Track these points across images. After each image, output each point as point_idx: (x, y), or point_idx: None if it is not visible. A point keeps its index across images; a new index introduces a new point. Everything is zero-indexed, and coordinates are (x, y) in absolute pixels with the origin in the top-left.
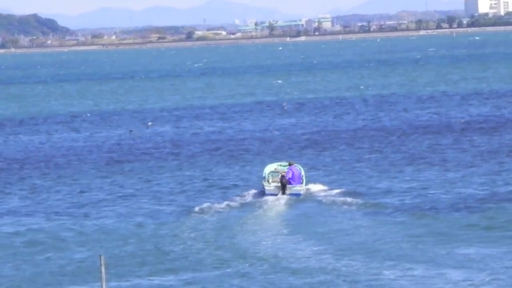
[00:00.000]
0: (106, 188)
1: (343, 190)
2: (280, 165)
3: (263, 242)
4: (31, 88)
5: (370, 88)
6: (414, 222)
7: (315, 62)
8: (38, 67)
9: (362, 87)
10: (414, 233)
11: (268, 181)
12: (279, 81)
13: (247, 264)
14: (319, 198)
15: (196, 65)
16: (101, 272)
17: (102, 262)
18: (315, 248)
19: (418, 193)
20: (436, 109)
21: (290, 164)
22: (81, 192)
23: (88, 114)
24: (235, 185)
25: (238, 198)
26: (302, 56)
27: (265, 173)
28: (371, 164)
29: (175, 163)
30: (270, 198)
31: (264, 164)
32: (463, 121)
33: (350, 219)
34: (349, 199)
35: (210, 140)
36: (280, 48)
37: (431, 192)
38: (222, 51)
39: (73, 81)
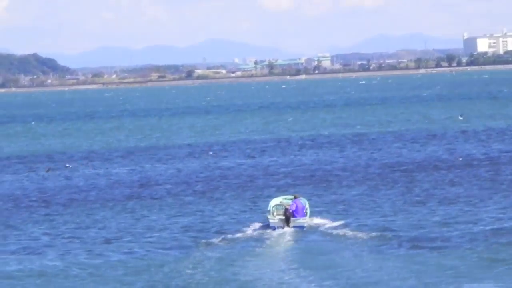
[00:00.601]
0: (116, 225)
1: (348, 223)
2: (285, 199)
3: (266, 278)
4: (43, 126)
5: (380, 125)
6: (421, 257)
7: (324, 99)
8: (54, 105)
9: (374, 124)
10: (421, 268)
11: (272, 214)
12: (290, 119)
13: None
14: (323, 231)
15: (203, 103)
16: None
17: None
18: (320, 284)
19: (425, 228)
20: (448, 146)
21: (295, 197)
22: (90, 228)
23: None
24: (241, 219)
25: (243, 232)
26: (309, 94)
27: (270, 207)
28: (379, 199)
29: (184, 198)
30: (274, 231)
31: (270, 198)
32: (474, 157)
33: (355, 253)
34: (353, 233)
35: (219, 176)
36: (284, 86)
37: (438, 226)
38: (225, 89)
39: (85, 119)
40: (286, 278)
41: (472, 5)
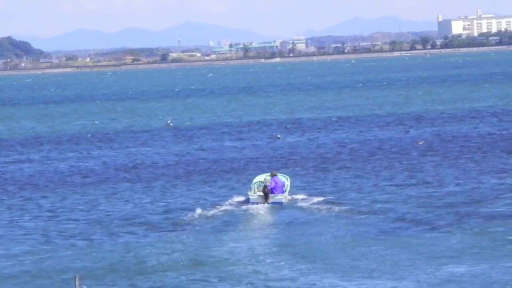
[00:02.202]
0: (99, 206)
1: (330, 201)
2: (269, 176)
3: (242, 257)
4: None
5: (380, 108)
6: (402, 239)
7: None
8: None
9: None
10: (399, 250)
11: (254, 191)
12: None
13: (225, 283)
14: (301, 207)
15: (193, 87)
16: None
17: (77, 283)
18: (295, 267)
19: (409, 209)
20: (438, 128)
21: (273, 175)
22: (73, 209)
23: (89, 135)
24: (225, 196)
25: (222, 208)
26: (306, 76)
27: (252, 184)
28: (365, 179)
29: (169, 178)
30: (253, 206)
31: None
32: (463, 139)
33: (333, 232)
34: (334, 210)
35: (209, 157)
36: (280, 68)
37: (424, 207)
38: (207, 72)
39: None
40: (259, 258)
41: None
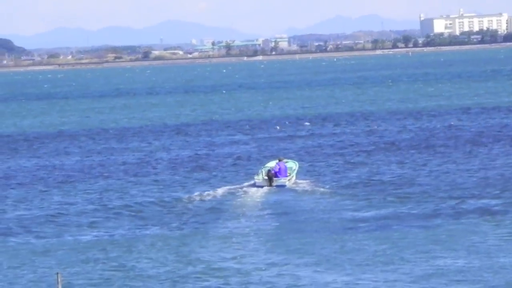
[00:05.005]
0: (89, 202)
1: (332, 187)
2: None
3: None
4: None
5: (389, 103)
6: (393, 233)
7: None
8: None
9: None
10: (396, 244)
11: (260, 175)
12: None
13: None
14: (303, 191)
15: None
16: None
17: (59, 280)
18: (287, 259)
19: (410, 199)
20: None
21: (280, 160)
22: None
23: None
24: (232, 181)
25: (230, 189)
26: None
27: (261, 169)
28: (369, 172)
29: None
30: (257, 188)
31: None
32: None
33: (327, 219)
34: (333, 195)
35: (230, 152)
36: (262, 66)
37: (426, 201)
38: (196, 70)
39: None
40: (250, 245)
41: None
